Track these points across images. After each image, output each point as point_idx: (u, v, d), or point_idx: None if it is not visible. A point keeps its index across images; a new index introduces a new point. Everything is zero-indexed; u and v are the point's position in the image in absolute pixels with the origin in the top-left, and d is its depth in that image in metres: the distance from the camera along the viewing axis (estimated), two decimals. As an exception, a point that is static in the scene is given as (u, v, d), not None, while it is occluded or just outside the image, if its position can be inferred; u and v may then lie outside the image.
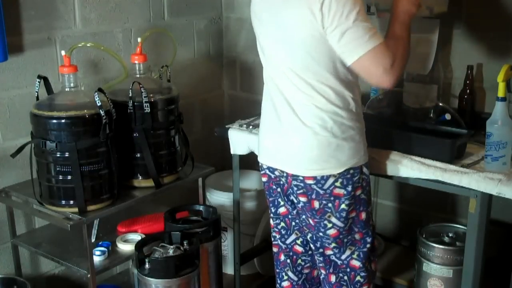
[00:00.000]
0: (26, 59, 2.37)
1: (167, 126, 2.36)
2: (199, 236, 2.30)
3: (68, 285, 2.67)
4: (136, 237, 2.38)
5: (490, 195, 1.95)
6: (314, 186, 1.91)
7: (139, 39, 2.40)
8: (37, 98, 2.17)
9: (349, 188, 1.91)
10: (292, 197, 2.04)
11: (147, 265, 2.13)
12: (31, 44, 2.37)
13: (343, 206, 1.93)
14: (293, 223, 2.13)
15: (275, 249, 2.24)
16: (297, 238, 2.16)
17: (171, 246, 2.20)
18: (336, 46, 1.74)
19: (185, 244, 2.21)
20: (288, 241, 2.18)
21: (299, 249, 2.16)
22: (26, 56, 2.37)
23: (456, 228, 2.47)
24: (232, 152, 2.49)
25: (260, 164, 2.11)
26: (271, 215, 2.19)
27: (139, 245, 2.17)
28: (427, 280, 2.39)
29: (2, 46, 2.17)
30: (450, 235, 2.44)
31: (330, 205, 1.93)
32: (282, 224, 2.16)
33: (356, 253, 2.02)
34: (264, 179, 2.11)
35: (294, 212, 2.08)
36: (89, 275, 2.15)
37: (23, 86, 2.38)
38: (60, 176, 2.10)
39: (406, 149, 2.14)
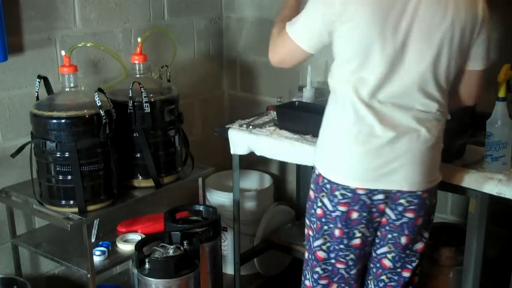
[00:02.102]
0: (26, 59, 2.37)
1: (167, 126, 2.36)
2: (199, 236, 2.30)
3: (68, 285, 2.67)
4: (136, 237, 2.38)
5: (490, 195, 1.95)
6: (427, 200, 1.80)
7: (139, 39, 2.40)
8: (37, 98, 2.17)
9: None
10: (376, 222, 1.83)
11: (147, 265, 2.13)
12: (31, 44, 2.37)
13: (432, 216, 1.90)
14: (361, 253, 1.89)
15: (324, 282, 1.95)
16: (360, 268, 1.95)
17: (171, 246, 2.20)
18: None
19: (185, 244, 2.21)
20: (352, 272, 1.92)
21: (357, 277, 1.97)
22: (26, 56, 2.37)
23: (456, 228, 2.47)
24: (232, 152, 2.49)
25: (340, 194, 1.78)
26: (336, 246, 1.86)
27: (139, 245, 2.17)
28: (426, 280, 2.39)
29: (2, 46, 2.17)
30: (450, 235, 2.44)
31: (431, 218, 1.88)
32: (352, 255, 1.87)
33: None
34: (343, 208, 1.78)
35: (369, 239, 1.86)
36: (89, 275, 2.15)
37: (23, 86, 2.38)
38: (60, 176, 2.10)
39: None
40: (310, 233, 1.91)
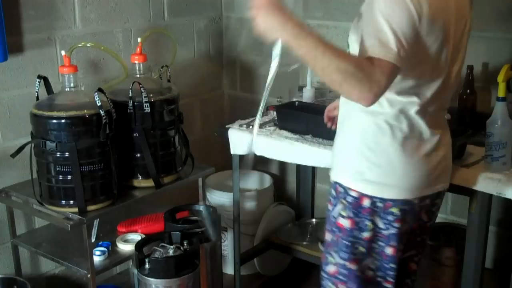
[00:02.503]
0: (26, 59, 2.37)
1: (167, 126, 2.36)
2: (199, 236, 2.30)
3: (68, 285, 2.67)
4: (136, 237, 2.38)
5: (490, 195, 1.95)
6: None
7: (139, 39, 2.40)
8: (37, 98, 2.17)
9: None
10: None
11: (147, 265, 2.13)
12: (31, 44, 2.37)
13: None
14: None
15: None
16: None
17: (171, 246, 2.20)
18: None
19: (185, 244, 2.21)
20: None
21: None
22: (26, 56, 2.37)
23: (456, 228, 2.47)
24: (232, 152, 2.49)
25: (398, 209, 1.63)
26: (386, 265, 1.70)
27: (139, 245, 2.17)
28: (427, 280, 2.39)
29: (2, 46, 2.17)
30: (450, 235, 2.44)
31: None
32: (396, 269, 1.71)
33: None
34: (399, 224, 1.64)
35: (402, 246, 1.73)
36: (89, 275, 2.15)
37: (23, 86, 2.38)
38: (60, 176, 2.10)
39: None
40: (351, 265, 1.70)
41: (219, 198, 2.92)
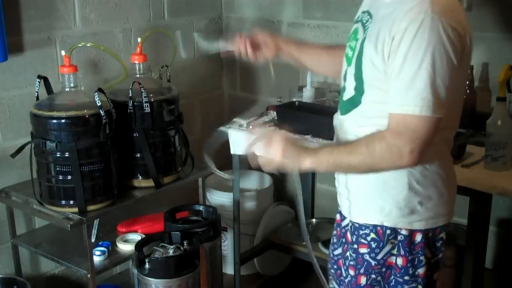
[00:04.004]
0: (26, 59, 2.37)
1: (167, 126, 2.36)
2: (199, 236, 2.30)
3: (68, 285, 2.67)
4: (136, 237, 2.38)
5: (490, 195, 1.95)
6: None
7: (139, 39, 2.40)
8: (37, 98, 2.17)
9: None
10: None
11: (147, 265, 2.13)
12: (31, 44, 2.37)
13: None
14: None
15: None
16: None
17: (171, 246, 2.20)
18: None
19: (185, 244, 2.21)
20: None
21: None
22: (26, 56, 2.37)
23: (456, 228, 2.47)
24: (232, 152, 2.49)
25: (443, 234, 1.58)
26: None
27: (139, 245, 2.17)
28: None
29: (2, 46, 2.17)
30: (450, 235, 2.44)
31: None
32: None
33: None
34: (443, 248, 1.60)
35: None
36: (89, 275, 2.15)
37: (23, 86, 2.38)
38: (60, 176, 2.10)
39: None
40: None
41: (219, 198, 2.92)
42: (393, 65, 1.36)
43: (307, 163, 1.44)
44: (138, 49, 2.38)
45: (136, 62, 2.37)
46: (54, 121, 2.06)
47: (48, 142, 2.06)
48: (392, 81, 1.37)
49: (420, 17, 1.32)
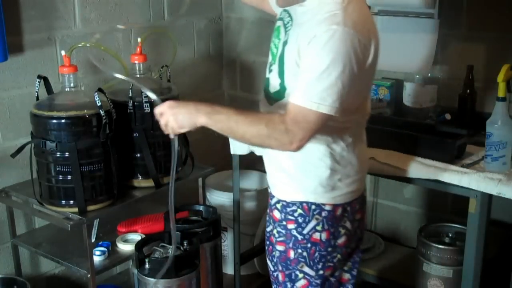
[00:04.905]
0: (26, 59, 2.37)
1: (167, 126, 2.35)
2: (199, 236, 2.30)
3: (68, 285, 2.67)
4: (136, 237, 2.38)
5: (490, 195, 1.95)
6: None
7: (139, 39, 2.40)
8: (37, 98, 2.17)
9: None
10: None
11: (147, 265, 2.13)
12: (31, 44, 2.37)
13: None
14: None
15: None
16: None
17: (171, 246, 2.20)
18: None
19: (185, 244, 2.21)
20: None
21: None
22: (26, 56, 2.37)
23: (456, 228, 2.47)
24: (232, 152, 2.49)
25: (357, 204, 1.84)
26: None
27: (139, 245, 2.17)
28: (427, 280, 2.39)
29: (2, 46, 2.17)
30: (450, 235, 2.44)
31: None
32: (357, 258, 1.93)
33: None
34: (359, 216, 1.87)
35: None
36: (89, 275, 2.15)
37: (23, 86, 2.38)
38: (60, 176, 2.10)
39: (406, 149, 2.14)
40: (326, 272, 1.80)
41: (219, 198, 2.92)
42: (304, 61, 1.55)
43: (203, 119, 1.62)
44: (138, 49, 2.38)
45: (136, 62, 2.37)
46: (54, 121, 2.06)
47: (48, 142, 2.06)
48: (300, 74, 1.55)
49: (333, 27, 1.49)
